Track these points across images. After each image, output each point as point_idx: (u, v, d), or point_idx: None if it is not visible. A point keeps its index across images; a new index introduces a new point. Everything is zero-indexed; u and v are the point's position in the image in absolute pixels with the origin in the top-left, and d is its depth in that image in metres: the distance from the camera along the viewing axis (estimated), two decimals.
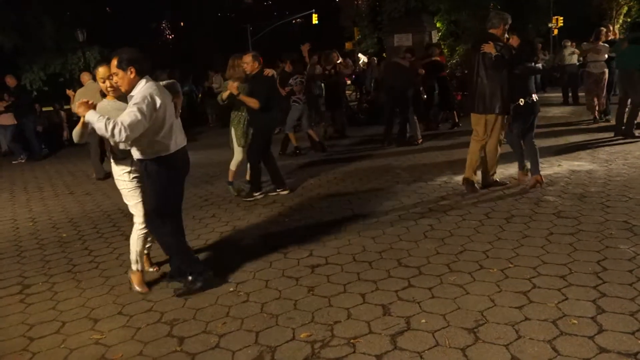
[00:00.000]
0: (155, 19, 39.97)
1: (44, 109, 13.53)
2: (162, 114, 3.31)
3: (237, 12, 47.94)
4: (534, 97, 5.39)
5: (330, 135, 10.27)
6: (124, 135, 3.07)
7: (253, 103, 5.60)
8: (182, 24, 43.71)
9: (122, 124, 3.06)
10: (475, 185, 5.61)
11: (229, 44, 32.93)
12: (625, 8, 25.79)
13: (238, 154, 6.10)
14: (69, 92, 7.66)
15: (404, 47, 11.10)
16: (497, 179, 5.75)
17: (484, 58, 5.29)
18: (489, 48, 5.21)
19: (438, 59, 10.23)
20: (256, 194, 6.02)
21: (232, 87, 5.56)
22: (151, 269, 4.03)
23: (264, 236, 4.69)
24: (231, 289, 3.60)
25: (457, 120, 10.27)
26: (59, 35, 19.65)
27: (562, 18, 27.36)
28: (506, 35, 5.46)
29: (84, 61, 19.74)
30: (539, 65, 5.53)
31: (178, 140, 3.52)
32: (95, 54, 20.50)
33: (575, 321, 2.80)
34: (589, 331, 2.69)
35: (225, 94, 5.74)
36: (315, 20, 36.25)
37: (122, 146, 3.47)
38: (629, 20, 25.24)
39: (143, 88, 3.28)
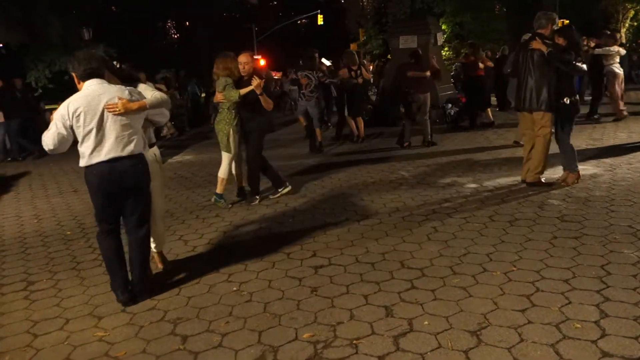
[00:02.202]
0: (161, 19, 40.02)
1: (47, 107, 13.58)
2: (80, 121, 3.24)
3: (242, 12, 47.99)
4: (577, 97, 5.52)
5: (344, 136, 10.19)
6: (46, 148, 3.31)
7: (269, 103, 5.52)
8: (187, 23, 43.78)
9: (44, 136, 3.29)
10: (543, 180, 5.65)
11: (234, 44, 32.99)
12: (632, 12, 25.74)
13: (230, 160, 5.71)
14: None
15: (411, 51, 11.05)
16: (543, 180, 5.69)
17: (532, 56, 5.39)
18: (538, 45, 5.30)
19: (463, 60, 10.29)
20: (258, 197, 5.92)
21: (258, 84, 5.28)
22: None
23: (268, 237, 4.70)
24: (234, 289, 3.61)
25: (492, 120, 10.27)
26: (65, 33, 19.71)
27: (567, 21, 27.31)
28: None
29: None
30: (584, 66, 5.51)
31: (101, 151, 3.29)
32: (100, 53, 20.57)
33: (579, 325, 2.80)
34: (592, 335, 2.69)
35: (245, 90, 5.37)
36: (320, 21, 36.29)
37: None
38: (635, 24, 25.19)
39: (71, 97, 3.32)
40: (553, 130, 5.64)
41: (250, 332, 2.99)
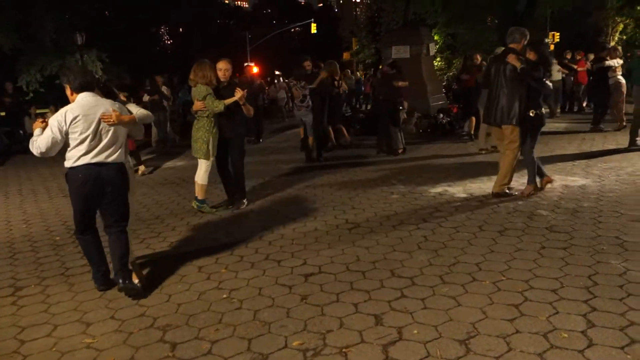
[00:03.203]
0: (155, 24, 40.00)
1: (38, 111, 13.56)
2: (76, 127, 3.50)
3: (236, 19, 48.12)
4: (543, 109, 5.64)
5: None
6: (36, 151, 3.52)
7: (251, 111, 5.75)
8: (180, 29, 43.78)
9: (36, 140, 3.51)
10: (507, 191, 5.75)
11: (228, 50, 33.03)
12: (621, 26, 26.13)
13: (208, 166, 5.70)
14: None
15: (391, 60, 11.16)
16: (508, 190, 5.80)
17: (505, 70, 5.50)
18: (514, 60, 5.39)
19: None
20: (245, 201, 6.01)
21: (242, 96, 5.45)
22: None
23: (258, 244, 4.70)
24: (224, 296, 3.61)
25: (471, 132, 10.30)
26: (58, 37, 19.64)
27: (558, 34, 27.67)
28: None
29: (81, 64, 19.75)
30: (550, 83, 5.73)
31: (89, 155, 3.55)
32: (93, 57, 20.51)
33: (566, 335, 2.82)
34: (579, 345, 2.72)
35: (229, 101, 5.47)
36: (314, 29, 36.48)
37: None
38: (624, 37, 25.57)
39: (68, 105, 3.57)
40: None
41: (240, 340, 2.99)
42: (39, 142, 3.49)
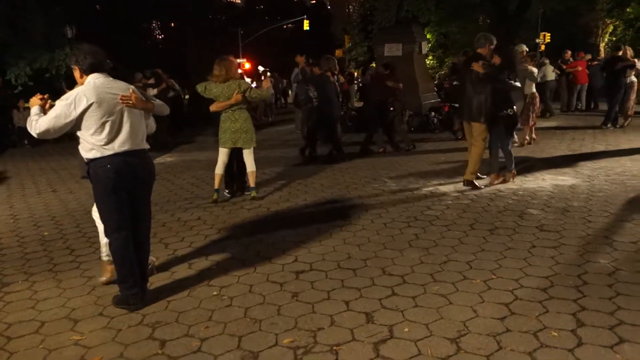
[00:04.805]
0: (146, 19, 39.58)
1: (27, 104, 13.41)
2: (93, 112, 3.16)
3: (228, 15, 47.80)
4: (515, 108, 6.22)
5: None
6: (35, 132, 3.14)
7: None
8: (172, 24, 43.42)
9: (37, 120, 3.14)
10: (476, 183, 6.24)
11: (220, 46, 32.88)
12: (611, 27, 26.37)
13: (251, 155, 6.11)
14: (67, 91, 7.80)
15: (385, 61, 11.14)
16: (476, 182, 6.24)
17: (471, 74, 6.01)
18: (477, 67, 5.90)
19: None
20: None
21: (270, 85, 6.25)
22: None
23: (249, 241, 4.67)
24: (214, 293, 3.58)
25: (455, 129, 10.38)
26: (48, 31, 19.41)
27: (549, 34, 27.88)
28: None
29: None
30: (518, 83, 6.45)
31: (115, 143, 3.24)
32: None
33: (556, 334, 2.83)
34: (569, 344, 2.73)
35: (267, 87, 6.24)
36: (306, 26, 36.35)
37: None
38: (614, 39, 25.80)
39: (79, 87, 3.25)
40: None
41: (230, 337, 2.97)
42: (40, 123, 3.12)
